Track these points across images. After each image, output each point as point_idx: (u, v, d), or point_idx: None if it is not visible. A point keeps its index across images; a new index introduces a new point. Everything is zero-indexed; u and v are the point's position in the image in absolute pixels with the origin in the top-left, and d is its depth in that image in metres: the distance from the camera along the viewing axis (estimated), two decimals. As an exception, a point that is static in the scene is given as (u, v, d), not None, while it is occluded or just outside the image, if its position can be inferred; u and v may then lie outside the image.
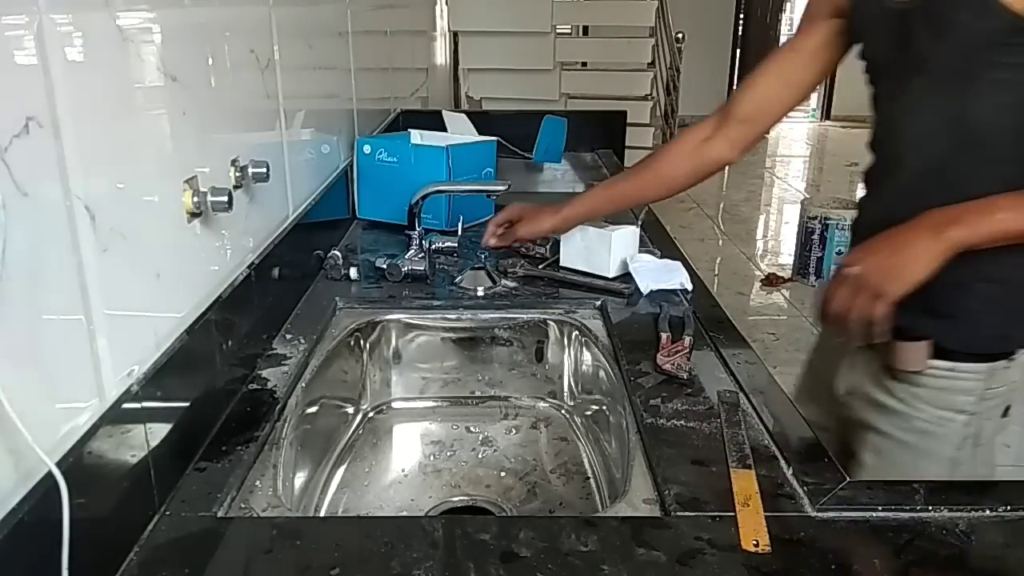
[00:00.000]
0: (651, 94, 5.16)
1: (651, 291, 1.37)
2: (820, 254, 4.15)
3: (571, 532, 0.75)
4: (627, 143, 2.88)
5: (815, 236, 4.14)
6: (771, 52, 1.17)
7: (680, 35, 5.39)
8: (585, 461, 1.24)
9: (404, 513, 1.16)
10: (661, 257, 1.48)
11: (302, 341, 1.18)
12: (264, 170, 1.04)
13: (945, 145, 0.95)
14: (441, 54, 3.92)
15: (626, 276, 1.43)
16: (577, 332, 1.32)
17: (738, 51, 9.14)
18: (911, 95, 0.99)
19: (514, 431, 1.34)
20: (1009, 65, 0.89)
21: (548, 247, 1.53)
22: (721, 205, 6.04)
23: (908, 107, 1.00)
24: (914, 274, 0.89)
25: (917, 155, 0.99)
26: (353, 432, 1.29)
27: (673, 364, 1.09)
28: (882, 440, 1.06)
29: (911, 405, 1.03)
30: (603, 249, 1.43)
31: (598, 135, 2.75)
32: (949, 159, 0.95)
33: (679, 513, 0.79)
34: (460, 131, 2.19)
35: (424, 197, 1.42)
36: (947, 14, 0.91)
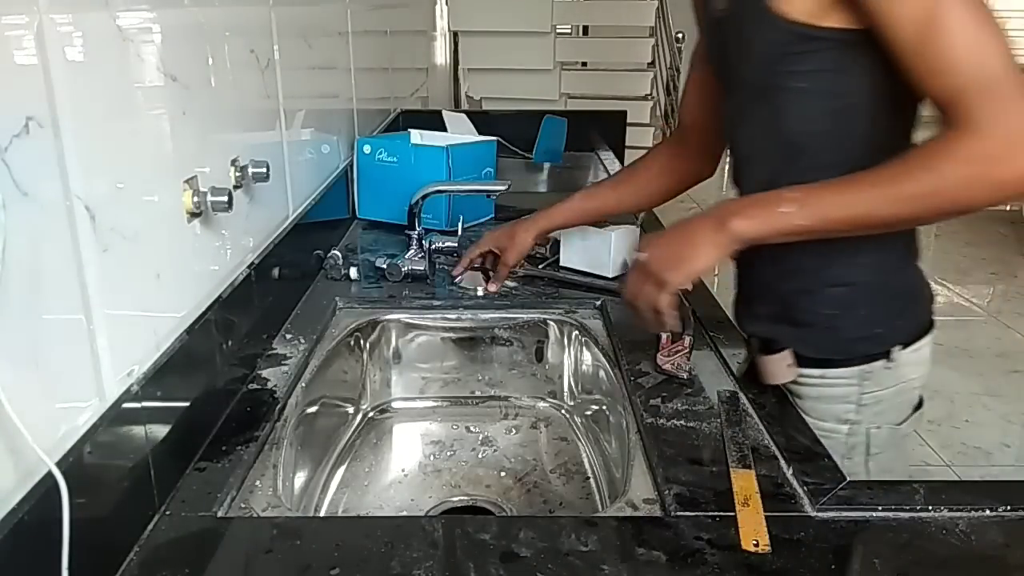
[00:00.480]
0: (651, 94, 5.15)
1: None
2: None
3: (571, 532, 0.75)
4: (627, 143, 2.88)
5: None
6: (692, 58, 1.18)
7: (680, 35, 5.39)
8: (585, 461, 1.24)
9: (404, 513, 1.16)
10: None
11: (302, 341, 1.18)
12: (264, 170, 1.04)
13: (771, 155, 0.94)
14: (441, 54, 3.92)
15: (626, 275, 1.43)
16: (577, 332, 1.32)
17: (738, 51, 9.14)
18: (736, 106, 0.99)
19: (514, 431, 1.34)
20: (804, 73, 0.87)
21: (548, 247, 1.53)
22: (721, 205, 6.03)
23: (737, 117, 1.00)
24: (694, 263, 0.88)
25: (752, 163, 0.99)
26: (353, 432, 1.29)
27: (673, 364, 1.09)
28: None
29: None
30: (603, 249, 1.43)
31: (598, 135, 2.75)
32: (777, 167, 0.94)
33: (679, 513, 0.79)
34: (460, 131, 2.19)
35: (424, 197, 1.42)
36: (743, 28, 0.91)
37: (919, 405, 1.06)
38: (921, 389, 1.05)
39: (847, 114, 0.89)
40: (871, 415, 1.01)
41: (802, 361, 0.99)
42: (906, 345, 1.00)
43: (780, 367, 0.99)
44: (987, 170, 0.75)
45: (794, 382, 1.01)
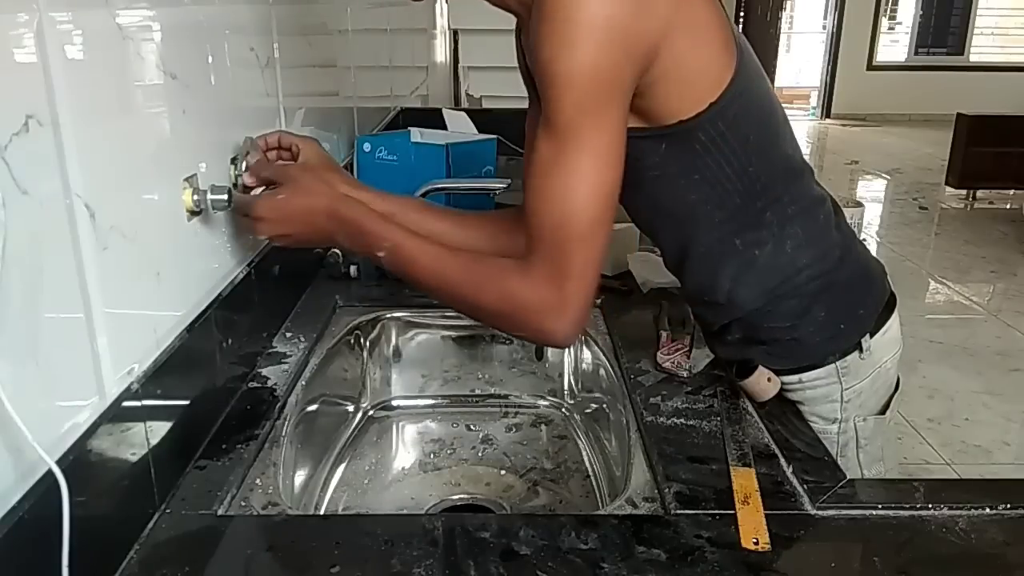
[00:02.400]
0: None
1: (651, 289, 1.37)
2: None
3: (571, 530, 0.76)
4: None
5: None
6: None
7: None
8: (585, 459, 1.24)
9: (404, 511, 1.16)
10: (660, 255, 1.47)
11: (302, 339, 1.18)
12: (264, 168, 1.04)
13: (669, 226, 0.98)
14: (441, 52, 3.92)
15: (626, 274, 1.43)
16: (577, 330, 1.32)
17: (738, 49, 9.14)
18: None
19: (514, 429, 1.34)
20: (644, 167, 0.88)
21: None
22: (721, 203, 6.03)
23: (625, 206, 1.02)
24: (295, 242, 0.92)
25: (658, 236, 1.02)
26: (353, 430, 1.29)
27: (673, 362, 1.09)
28: None
29: None
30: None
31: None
32: (680, 234, 0.97)
33: (679, 511, 0.79)
34: (460, 129, 2.19)
35: (424, 195, 1.42)
36: None
37: (896, 385, 1.06)
38: (895, 368, 1.05)
39: (709, 182, 0.90)
40: (855, 408, 1.01)
41: (780, 371, 1.00)
42: (875, 331, 1.00)
43: (761, 384, 0.99)
44: (515, 313, 0.81)
45: (779, 392, 1.01)
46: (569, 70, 0.74)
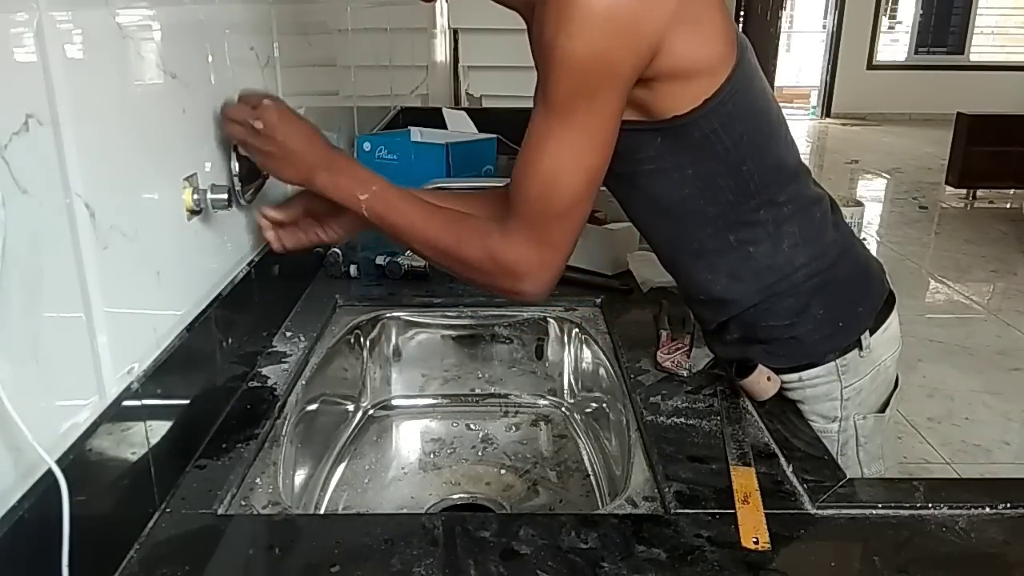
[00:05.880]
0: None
1: (651, 288, 1.37)
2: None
3: (571, 529, 0.76)
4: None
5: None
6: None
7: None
8: (585, 459, 1.24)
9: (404, 510, 1.16)
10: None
11: (302, 339, 1.18)
12: (264, 168, 1.04)
13: (661, 221, 0.98)
14: (441, 51, 3.92)
15: (626, 274, 1.43)
16: (577, 330, 1.32)
17: (738, 49, 9.13)
18: (614, 192, 1.02)
19: (514, 428, 1.34)
20: (638, 161, 0.89)
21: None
22: (721, 203, 6.02)
23: (619, 200, 1.04)
24: (279, 176, 0.94)
25: (650, 231, 1.03)
26: (353, 429, 1.29)
27: (673, 362, 1.09)
28: None
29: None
30: (603, 246, 1.43)
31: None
32: (672, 229, 0.98)
33: (679, 510, 0.79)
34: (460, 128, 2.19)
35: (424, 195, 1.42)
36: None
37: (896, 384, 1.06)
38: (895, 367, 1.05)
39: (702, 178, 0.91)
40: (855, 405, 1.01)
41: (779, 370, 0.99)
42: (874, 329, 1.00)
43: (761, 383, 0.99)
44: (493, 271, 0.86)
45: (779, 391, 1.01)
46: (568, 54, 0.76)
